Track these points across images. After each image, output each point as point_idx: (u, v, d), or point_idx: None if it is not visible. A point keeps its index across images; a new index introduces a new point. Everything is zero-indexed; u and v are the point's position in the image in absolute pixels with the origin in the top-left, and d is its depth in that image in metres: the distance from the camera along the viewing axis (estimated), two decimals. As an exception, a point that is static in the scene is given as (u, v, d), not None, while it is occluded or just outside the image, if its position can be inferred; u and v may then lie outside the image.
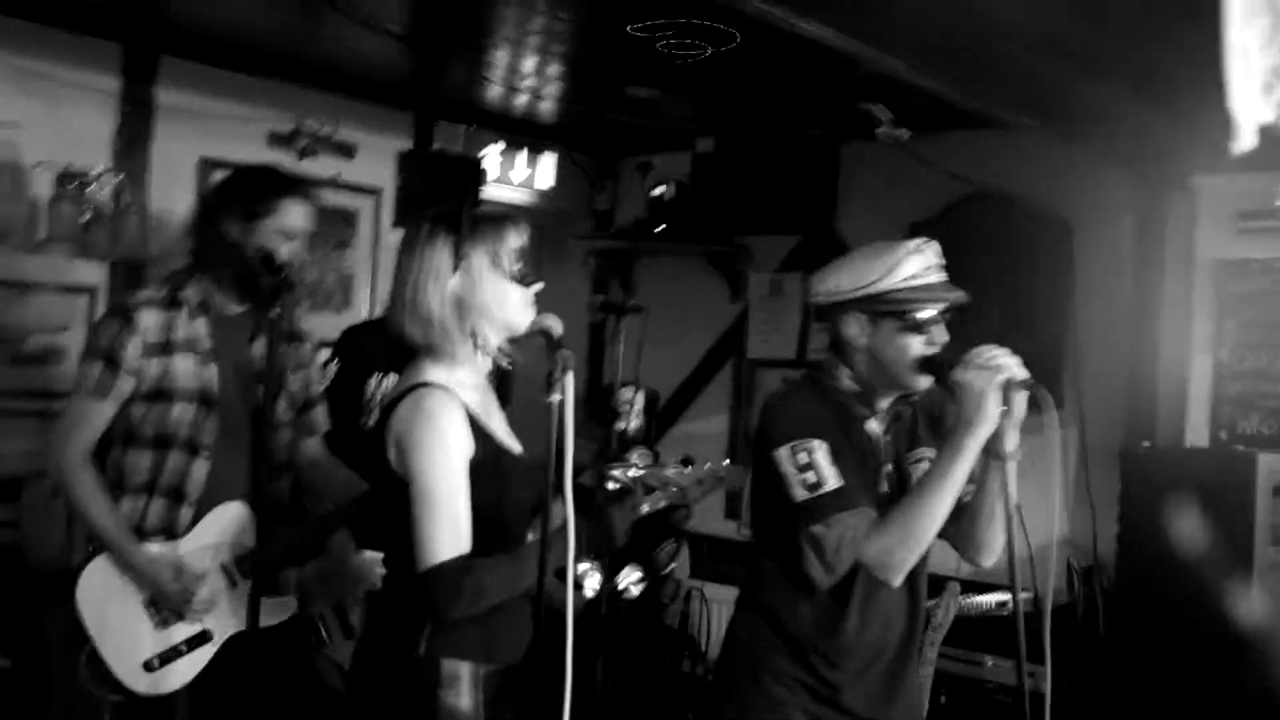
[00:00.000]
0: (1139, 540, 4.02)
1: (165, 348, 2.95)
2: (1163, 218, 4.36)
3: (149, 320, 2.94)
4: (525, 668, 2.33)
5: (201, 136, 4.42)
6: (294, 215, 3.00)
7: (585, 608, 3.71)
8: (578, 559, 2.13)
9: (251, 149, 4.56)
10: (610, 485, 2.20)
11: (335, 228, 4.91)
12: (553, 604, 2.18)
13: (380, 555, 2.44)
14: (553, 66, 4.30)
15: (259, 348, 3.04)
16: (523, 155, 5.54)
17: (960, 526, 2.50)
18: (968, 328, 5.01)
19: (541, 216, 5.50)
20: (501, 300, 2.26)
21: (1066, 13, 2.88)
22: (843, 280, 2.53)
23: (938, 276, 2.51)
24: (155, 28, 4.16)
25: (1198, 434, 4.39)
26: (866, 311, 2.49)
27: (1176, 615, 3.76)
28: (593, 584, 2.20)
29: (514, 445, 2.37)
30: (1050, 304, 4.72)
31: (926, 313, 2.48)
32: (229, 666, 2.99)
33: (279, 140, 4.65)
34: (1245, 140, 1.92)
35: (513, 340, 2.34)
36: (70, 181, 4.08)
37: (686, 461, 2.80)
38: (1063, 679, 3.84)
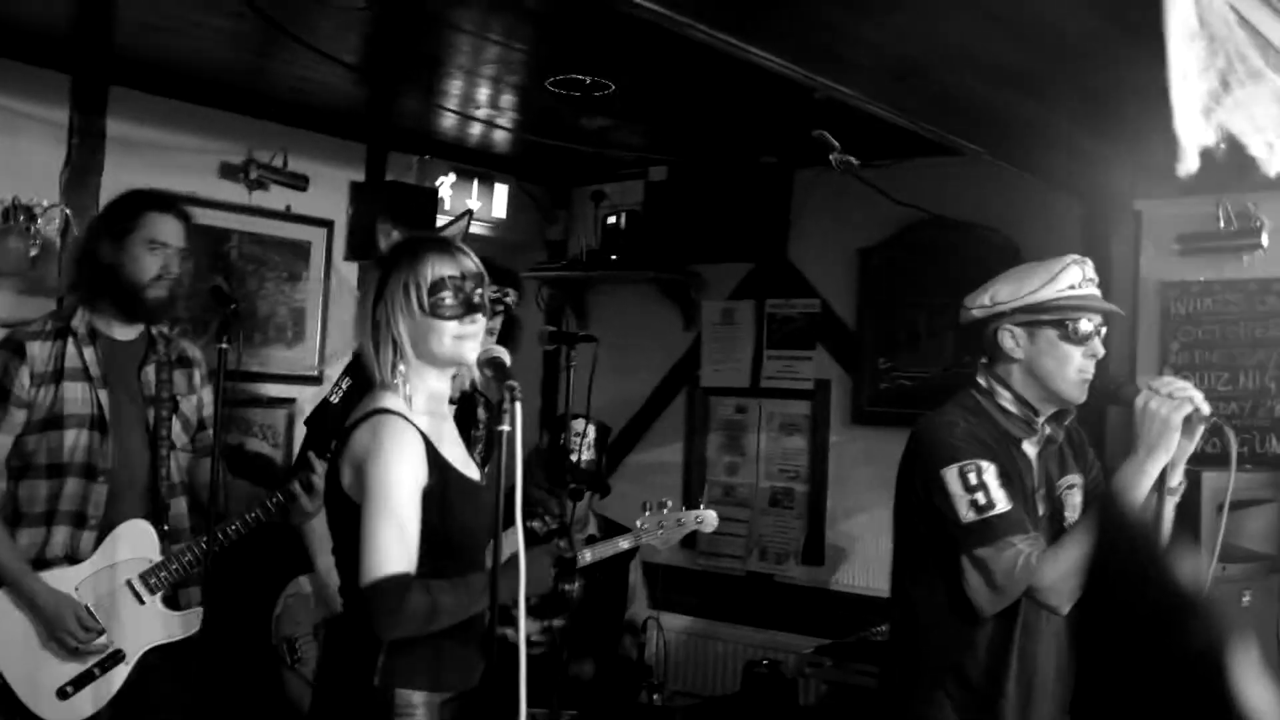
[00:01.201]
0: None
1: (55, 375, 3.01)
2: (1107, 241, 4.44)
3: (38, 350, 3.01)
4: (480, 694, 2.33)
5: (152, 168, 4.36)
6: (158, 227, 3.12)
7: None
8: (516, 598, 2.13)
9: (202, 180, 4.54)
10: (535, 526, 2.21)
11: (287, 260, 4.89)
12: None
13: None
14: (506, 96, 4.33)
15: (149, 373, 3.17)
16: (475, 186, 5.55)
17: None
18: (921, 351, 5.09)
19: (494, 247, 5.50)
20: (415, 336, 2.27)
21: (1012, 42, 2.94)
22: (1000, 292, 2.50)
23: (1094, 290, 2.49)
24: (105, 59, 4.13)
25: (1144, 452, 4.45)
26: (1024, 323, 2.46)
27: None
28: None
29: (471, 471, 2.38)
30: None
31: (1086, 323, 2.44)
32: (148, 682, 3.05)
33: (230, 171, 4.63)
34: (1188, 163, 1.97)
35: (454, 374, 2.35)
36: (18, 215, 4.03)
37: (662, 505, 2.81)
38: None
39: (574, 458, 4.75)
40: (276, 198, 4.77)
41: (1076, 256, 2.52)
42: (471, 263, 2.33)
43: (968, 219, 4.77)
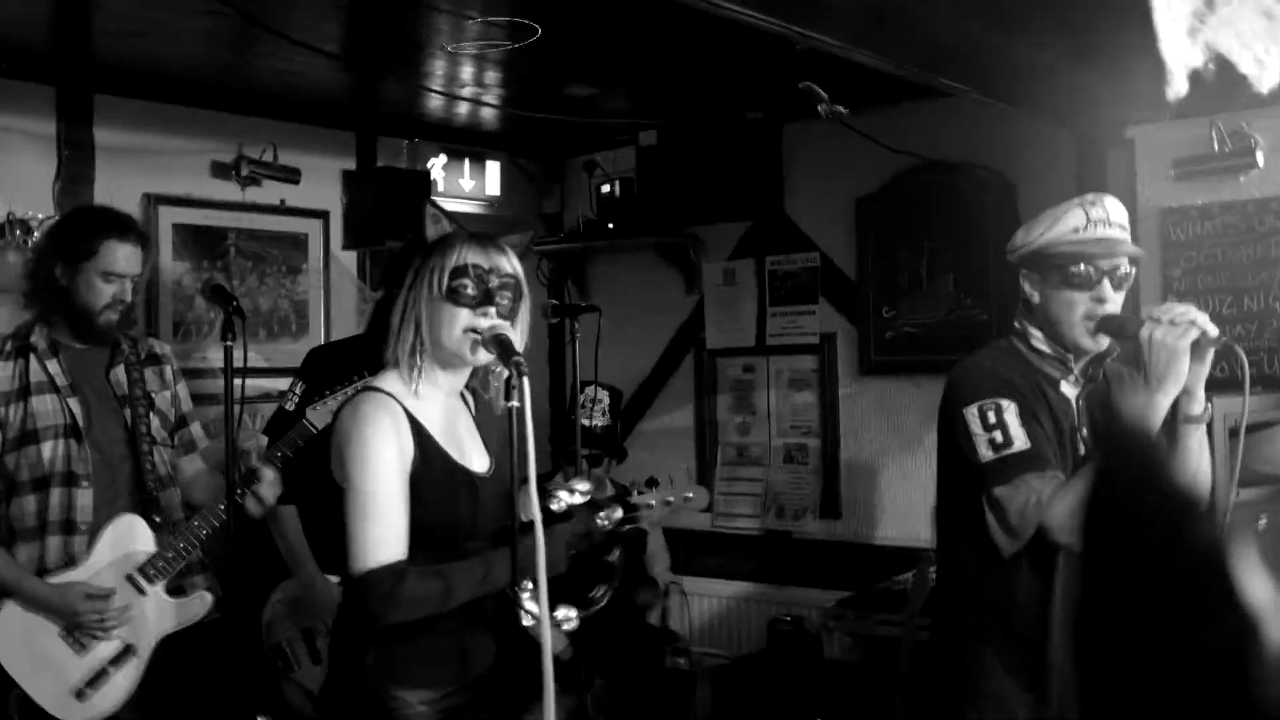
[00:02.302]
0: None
1: (22, 392, 3.05)
2: (1102, 170, 4.42)
3: (0, 371, 3.04)
4: (494, 678, 2.32)
5: (143, 173, 4.39)
6: (116, 257, 3.09)
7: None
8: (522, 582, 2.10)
9: (195, 181, 4.55)
10: (553, 507, 2.18)
11: (285, 253, 4.89)
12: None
13: None
14: (490, 72, 4.31)
15: (117, 375, 3.19)
16: (466, 165, 5.54)
17: None
18: (924, 297, 5.08)
19: (490, 224, 5.51)
20: (431, 320, 2.26)
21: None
22: (1017, 237, 2.51)
23: (1108, 232, 2.43)
24: (88, 68, 4.13)
25: (1153, 381, 4.45)
26: (1035, 268, 2.47)
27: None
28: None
29: (476, 464, 2.36)
30: (1000, 265, 4.77)
31: (1085, 268, 2.40)
32: (164, 672, 3.08)
33: (222, 170, 4.62)
34: (1178, 86, 1.96)
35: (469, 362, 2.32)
36: (14, 230, 4.04)
37: (651, 483, 2.80)
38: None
39: (587, 423, 4.77)
40: (270, 192, 4.77)
41: (1088, 197, 2.47)
42: (507, 263, 2.30)
43: (962, 160, 4.75)
